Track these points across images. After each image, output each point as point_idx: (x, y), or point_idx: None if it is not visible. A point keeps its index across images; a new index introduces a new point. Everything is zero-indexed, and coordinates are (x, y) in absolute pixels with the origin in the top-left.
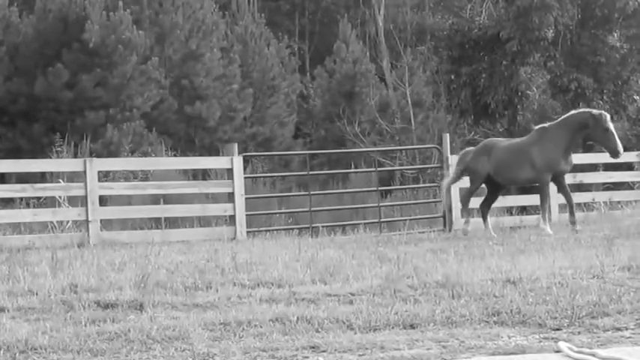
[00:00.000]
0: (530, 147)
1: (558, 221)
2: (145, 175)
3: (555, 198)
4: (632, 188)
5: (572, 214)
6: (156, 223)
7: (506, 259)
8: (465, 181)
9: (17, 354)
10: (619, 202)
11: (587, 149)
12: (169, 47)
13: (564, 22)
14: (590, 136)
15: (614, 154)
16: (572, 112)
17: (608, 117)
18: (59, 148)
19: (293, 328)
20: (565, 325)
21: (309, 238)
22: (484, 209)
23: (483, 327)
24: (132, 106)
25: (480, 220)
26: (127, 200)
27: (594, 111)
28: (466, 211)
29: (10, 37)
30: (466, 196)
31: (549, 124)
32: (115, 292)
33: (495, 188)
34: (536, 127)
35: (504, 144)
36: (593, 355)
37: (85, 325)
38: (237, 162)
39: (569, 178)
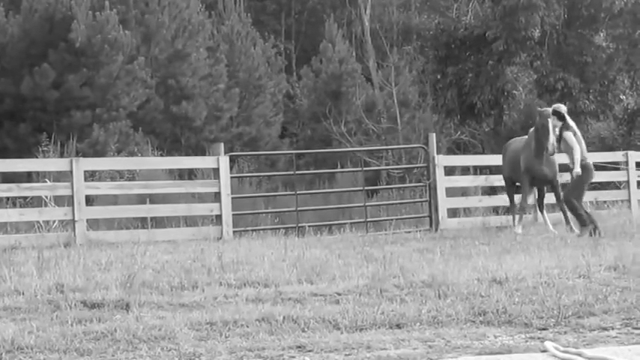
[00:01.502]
0: (521, 149)
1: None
2: (131, 175)
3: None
4: (618, 188)
5: (565, 219)
6: (142, 222)
7: (492, 258)
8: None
9: (3, 354)
10: (605, 201)
11: None
12: (155, 47)
13: (550, 21)
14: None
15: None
16: None
17: (549, 112)
18: (45, 148)
19: (279, 328)
20: (551, 324)
21: (296, 238)
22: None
23: (469, 327)
24: (118, 105)
25: (466, 219)
26: (114, 200)
27: (540, 108)
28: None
29: None
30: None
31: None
32: (102, 292)
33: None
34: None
35: (512, 146)
36: (580, 354)
37: (72, 325)
38: (224, 162)
39: None
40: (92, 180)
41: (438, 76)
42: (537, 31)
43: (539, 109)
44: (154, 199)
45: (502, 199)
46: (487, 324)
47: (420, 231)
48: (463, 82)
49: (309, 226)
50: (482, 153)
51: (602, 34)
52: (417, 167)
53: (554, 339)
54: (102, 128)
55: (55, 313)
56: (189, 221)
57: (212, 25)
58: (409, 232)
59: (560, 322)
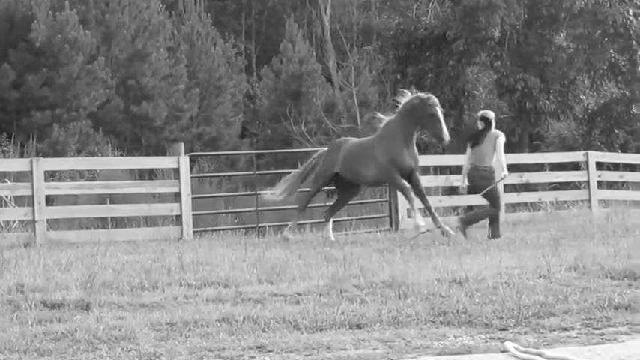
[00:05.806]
0: (374, 143)
1: (505, 221)
2: (92, 175)
3: (503, 197)
4: (578, 188)
5: (434, 219)
6: (102, 222)
7: (452, 258)
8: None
9: None
10: (565, 202)
11: (534, 149)
12: (116, 47)
13: (511, 21)
14: (418, 122)
15: (439, 140)
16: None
17: (436, 101)
18: (6, 148)
19: (239, 328)
20: (511, 324)
21: (256, 238)
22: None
23: (430, 327)
24: (78, 105)
25: (426, 219)
26: (74, 200)
27: (421, 94)
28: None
29: None
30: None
31: (390, 118)
32: (62, 292)
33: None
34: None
35: (354, 142)
36: (540, 354)
37: (32, 325)
38: (184, 162)
39: (514, 178)
40: (52, 180)
41: (398, 76)
42: (497, 31)
43: (420, 95)
44: (114, 199)
45: (462, 200)
46: (447, 324)
47: (380, 231)
48: (423, 82)
49: (269, 226)
50: (442, 153)
51: (562, 34)
52: None
53: (515, 339)
54: (62, 128)
55: (15, 314)
56: (150, 221)
57: (172, 25)
58: (369, 232)
59: (520, 322)
